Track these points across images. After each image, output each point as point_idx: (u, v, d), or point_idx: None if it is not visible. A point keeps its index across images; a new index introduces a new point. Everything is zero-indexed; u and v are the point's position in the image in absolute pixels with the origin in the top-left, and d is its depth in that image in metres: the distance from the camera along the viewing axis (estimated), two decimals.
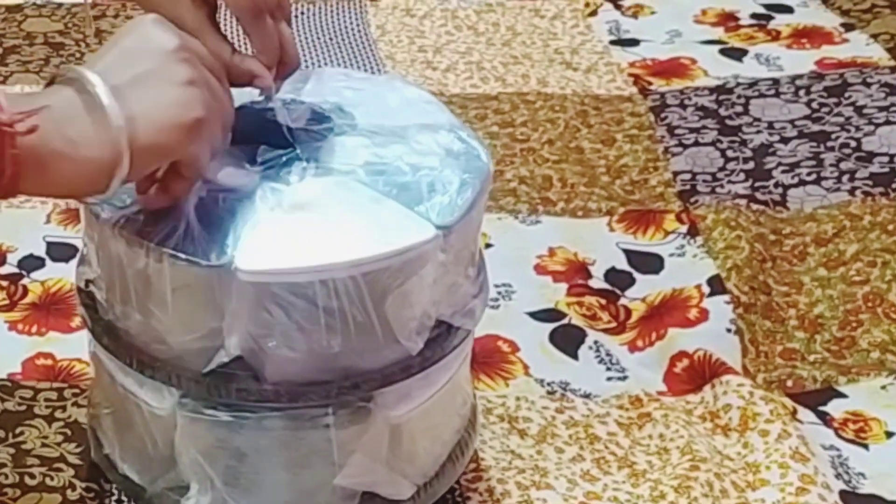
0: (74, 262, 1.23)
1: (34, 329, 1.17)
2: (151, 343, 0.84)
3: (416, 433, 0.89)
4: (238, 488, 0.86)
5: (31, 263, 1.26)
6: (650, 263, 1.28)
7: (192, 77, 0.77)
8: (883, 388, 1.13)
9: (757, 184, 1.38)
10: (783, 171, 1.40)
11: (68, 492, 0.99)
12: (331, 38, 1.72)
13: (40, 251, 1.27)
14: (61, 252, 1.27)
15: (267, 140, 0.85)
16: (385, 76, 0.88)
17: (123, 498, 0.99)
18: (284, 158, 0.84)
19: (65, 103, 0.73)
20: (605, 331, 1.20)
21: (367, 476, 0.87)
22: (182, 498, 0.87)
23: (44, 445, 1.03)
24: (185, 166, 0.78)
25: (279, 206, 0.81)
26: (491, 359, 1.16)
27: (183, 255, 0.78)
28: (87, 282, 0.88)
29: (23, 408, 1.07)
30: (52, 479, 1.00)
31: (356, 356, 0.82)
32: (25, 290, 1.22)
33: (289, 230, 0.80)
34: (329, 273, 0.78)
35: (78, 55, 1.63)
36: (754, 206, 1.34)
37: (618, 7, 1.79)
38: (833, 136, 1.45)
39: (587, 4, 1.80)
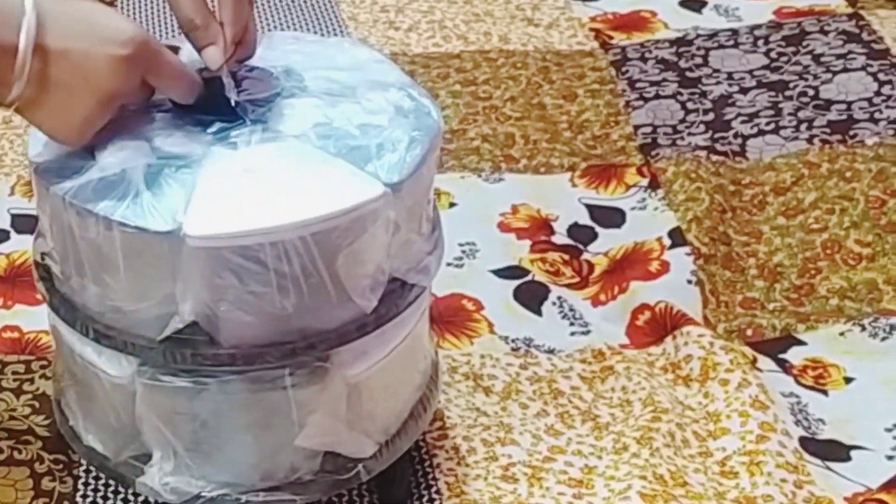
0: None
1: (0, 302, 1.18)
2: (107, 312, 0.84)
3: (375, 391, 0.90)
4: (200, 453, 0.87)
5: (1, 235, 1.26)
6: (612, 218, 1.29)
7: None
8: (841, 334, 1.15)
9: (717, 135, 1.39)
10: (742, 122, 1.41)
11: (36, 464, 1.00)
12: (292, 0, 1.71)
13: (4, 223, 1.27)
14: (26, 224, 1.27)
15: (216, 107, 0.85)
16: (335, 38, 0.88)
17: (91, 469, 1.00)
18: (233, 124, 0.85)
19: None
20: (569, 286, 1.21)
21: (328, 436, 0.88)
22: (146, 466, 0.88)
23: (12, 418, 1.04)
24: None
25: (228, 171, 0.81)
26: (456, 317, 1.17)
27: (132, 223, 0.78)
28: (43, 254, 0.89)
29: None
30: (20, 452, 1.01)
31: (310, 316, 0.83)
32: None
33: (237, 194, 0.81)
34: (278, 234, 0.78)
35: None
36: (714, 158, 1.35)
37: None
38: (791, 85, 1.46)
39: None
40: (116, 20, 0.79)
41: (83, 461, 1.00)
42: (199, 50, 0.85)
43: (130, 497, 0.99)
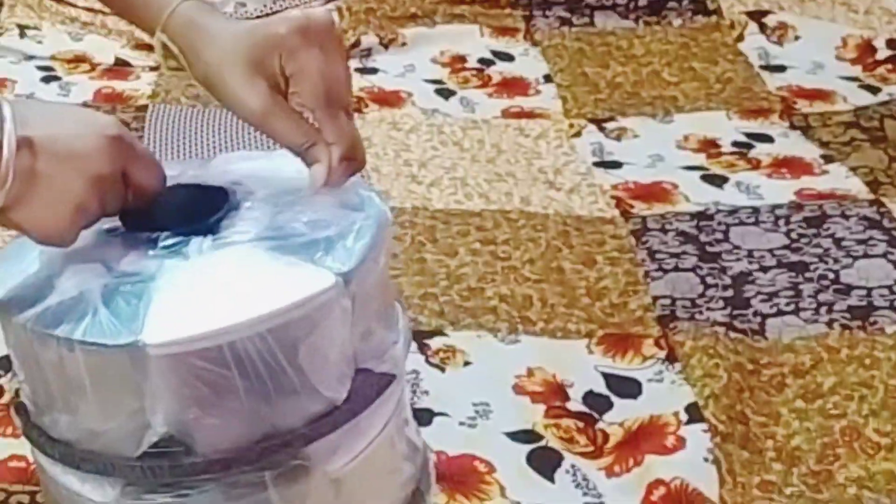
0: None
1: (9, 430, 1.16)
2: (82, 437, 0.84)
3: (360, 485, 0.89)
4: None
5: (4, 364, 1.25)
6: (628, 388, 1.28)
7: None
8: None
9: (735, 312, 1.39)
10: (762, 300, 1.41)
11: None
12: None
13: None
14: None
15: (167, 223, 0.86)
16: (281, 150, 0.91)
17: None
18: (184, 237, 0.85)
19: None
20: (582, 454, 1.20)
21: None
22: None
23: None
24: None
25: (181, 280, 0.82)
26: (467, 479, 1.16)
27: (92, 340, 0.79)
28: (16, 390, 0.89)
29: None
30: None
31: (281, 413, 0.83)
32: (2, 390, 1.21)
33: (192, 302, 0.81)
34: (235, 334, 0.79)
35: None
36: (732, 335, 1.35)
37: (601, 129, 1.82)
38: (811, 266, 1.47)
39: (571, 126, 1.82)
40: (94, 112, 0.82)
41: None
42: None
43: None
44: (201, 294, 0.82)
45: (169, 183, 0.88)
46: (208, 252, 0.84)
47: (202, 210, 0.88)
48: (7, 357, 1.22)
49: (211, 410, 0.81)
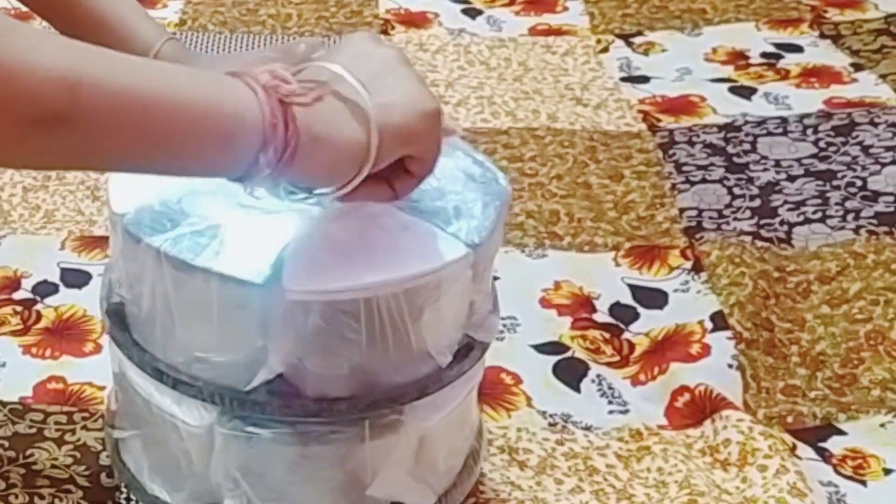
0: (87, 288, 1.27)
1: (47, 353, 1.19)
2: (193, 363, 0.86)
3: (439, 443, 0.93)
4: (273, 502, 0.88)
5: (44, 289, 1.28)
6: (654, 298, 1.30)
7: (418, 76, 0.81)
8: (882, 425, 1.14)
9: (762, 221, 1.40)
10: (789, 209, 1.41)
11: None
12: None
13: (54, 277, 1.29)
14: (75, 278, 1.29)
15: None
16: None
17: None
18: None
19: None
20: (608, 364, 1.21)
21: (396, 486, 0.90)
22: None
23: (53, 467, 1.05)
24: (419, 161, 0.81)
25: (318, 227, 0.84)
26: (494, 390, 1.17)
27: (232, 276, 0.80)
28: (118, 304, 0.90)
29: (33, 430, 1.09)
30: (61, 500, 1.02)
31: (393, 371, 0.86)
32: (39, 316, 1.24)
33: (331, 250, 0.83)
34: (373, 291, 0.81)
35: None
36: (759, 244, 1.35)
37: (629, 44, 1.81)
38: (839, 175, 1.47)
39: (598, 41, 1.82)
40: (418, 84, 0.82)
41: None
42: None
43: None
44: (340, 244, 0.84)
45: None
46: (339, 205, 0.85)
47: None
48: (45, 282, 1.27)
49: (330, 359, 0.83)
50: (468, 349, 0.91)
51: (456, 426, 0.95)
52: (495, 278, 1.30)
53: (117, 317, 0.91)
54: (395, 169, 0.81)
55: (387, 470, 0.89)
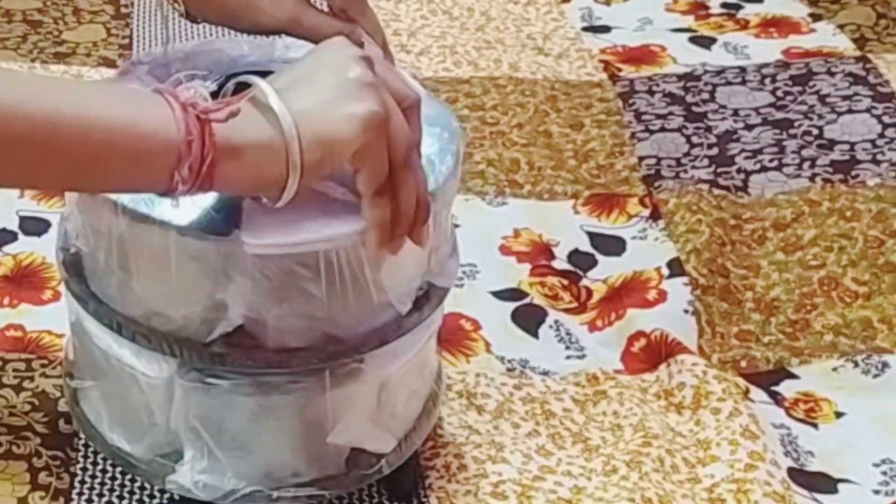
0: (46, 236, 1.26)
1: (5, 301, 1.19)
2: (151, 315, 0.86)
3: (399, 389, 0.93)
4: (234, 451, 0.89)
5: (3, 237, 1.27)
6: (613, 246, 1.31)
7: (365, 76, 0.76)
8: (834, 369, 1.16)
9: (720, 169, 1.41)
10: (746, 158, 1.43)
11: (34, 459, 1.01)
12: None
13: (13, 225, 1.29)
14: (34, 226, 1.28)
15: None
16: None
17: (88, 466, 1.02)
18: None
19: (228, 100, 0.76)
20: (566, 310, 1.23)
21: (358, 433, 0.91)
22: (176, 464, 0.90)
23: (11, 415, 1.05)
24: (363, 174, 0.78)
25: None
26: (454, 336, 1.18)
27: (191, 229, 0.80)
28: (75, 255, 0.90)
29: None
30: (18, 447, 1.02)
31: (353, 321, 0.86)
32: None
33: (289, 202, 0.82)
34: (332, 243, 0.81)
35: (56, 32, 1.64)
36: (716, 192, 1.37)
37: None
38: (796, 123, 1.48)
39: None
40: (340, 58, 0.79)
41: (80, 458, 1.02)
42: None
43: (125, 495, 1.00)
44: (298, 197, 0.81)
45: (231, 65, 0.89)
46: None
47: None
48: (4, 230, 1.27)
49: (289, 311, 0.83)
50: (428, 296, 0.91)
51: (416, 371, 0.96)
52: (455, 225, 1.32)
53: (74, 268, 0.91)
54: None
55: (347, 417, 0.90)
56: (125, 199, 0.81)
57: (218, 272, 0.81)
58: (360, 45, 0.86)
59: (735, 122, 1.49)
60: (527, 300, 1.23)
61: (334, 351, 0.87)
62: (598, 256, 1.30)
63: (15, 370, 1.10)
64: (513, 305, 1.23)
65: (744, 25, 1.71)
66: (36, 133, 0.70)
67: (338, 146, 0.76)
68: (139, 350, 0.88)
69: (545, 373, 1.15)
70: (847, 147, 1.43)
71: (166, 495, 0.98)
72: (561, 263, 1.29)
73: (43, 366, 1.11)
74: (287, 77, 0.77)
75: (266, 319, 0.83)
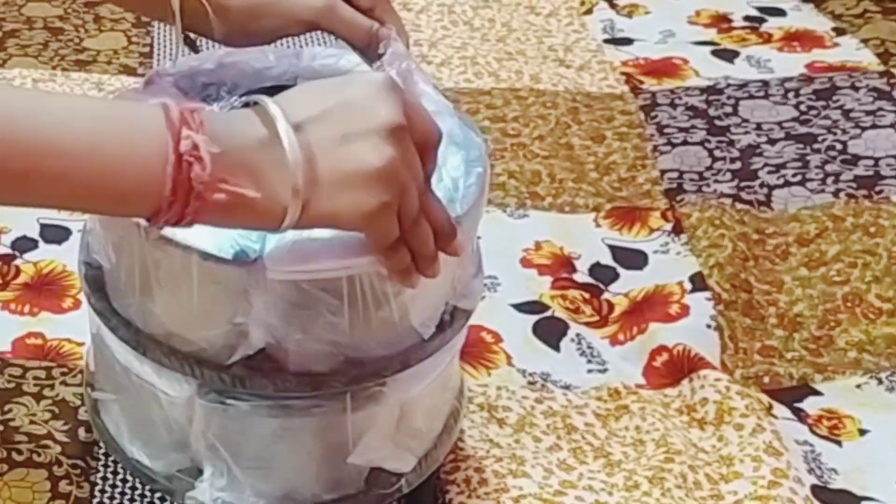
0: (67, 243, 1.26)
1: (26, 309, 1.19)
2: (172, 336, 0.85)
3: (420, 410, 0.92)
4: (254, 470, 0.88)
5: (24, 244, 1.27)
6: (634, 259, 1.30)
7: (393, 157, 0.71)
8: (858, 386, 1.15)
9: (743, 184, 1.40)
10: (769, 172, 1.42)
11: (54, 468, 1.01)
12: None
13: (34, 233, 1.29)
14: (54, 234, 1.28)
15: None
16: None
17: (108, 475, 1.01)
18: None
19: (247, 136, 0.69)
20: (588, 324, 1.22)
21: (378, 452, 0.90)
22: (195, 480, 0.89)
23: (31, 423, 1.05)
24: (368, 236, 0.75)
25: None
26: (475, 349, 1.18)
27: (213, 254, 0.79)
28: (97, 269, 0.89)
29: (12, 385, 1.09)
30: (38, 455, 1.02)
31: (375, 345, 0.85)
32: (18, 271, 1.24)
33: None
34: (355, 269, 0.79)
35: (77, 40, 1.64)
36: (739, 206, 1.36)
37: (613, 6, 1.81)
38: (820, 138, 1.47)
39: (582, 3, 1.82)
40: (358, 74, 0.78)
41: (101, 467, 1.01)
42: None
43: None
44: None
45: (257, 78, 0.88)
46: None
47: None
48: (24, 237, 1.27)
49: (312, 335, 0.82)
50: (452, 318, 0.90)
51: (438, 391, 0.95)
52: (476, 237, 1.32)
53: (96, 283, 0.90)
54: None
55: (368, 438, 0.89)
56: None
57: (239, 296, 0.81)
58: (387, 43, 0.87)
59: (758, 136, 1.48)
60: (548, 313, 1.23)
61: (356, 375, 0.86)
62: (620, 270, 1.29)
63: (35, 378, 1.10)
64: (534, 318, 1.22)
65: (767, 39, 1.71)
66: (11, 160, 0.65)
67: (341, 224, 0.73)
68: (160, 369, 0.87)
69: (567, 386, 1.14)
70: (871, 162, 1.42)
71: None
72: (582, 276, 1.28)
73: (63, 374, 1.11)
74: (309, 106, 0.71)
75: (287, 344, 0.83)
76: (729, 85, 1.59)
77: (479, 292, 0.93)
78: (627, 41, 1.72)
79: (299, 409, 0.86)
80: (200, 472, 0.90)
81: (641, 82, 1.61)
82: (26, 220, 1.30)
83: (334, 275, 0.80)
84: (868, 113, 1.51)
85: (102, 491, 1.00)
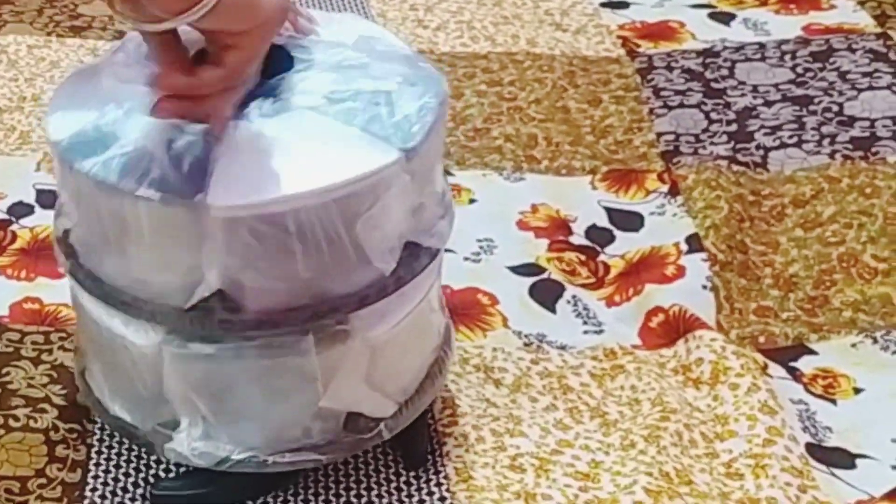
0: None
1: (22, 274, 1.19)
2: (133, 284, 0.86)
3: (394, 352, 0.92)
4: (228, 418, 0.89)
5: (20, 210, 1.28)
6: (630, 221, 1.30)
7: None
8: (853, 346, 1.15)
9: (739, 146, 1.40)
10: (765, 134, 1.42)
11: (51, 433, 1.02)
12: None
13: (29, 198, 1.29)
14: (50, 199, 1.28)
15: None
16: (342, 14, 0.91)
17: (105, 437, 1.02)
18: (247, 97, 0.86)
19: None
20: (584, 286, 1.22)
21: (351, 396, 0.90)
22: (173, 432, 0.90)
23: (29, 386, 1.06)
24: (235, 52, 0.79)
25: (246, 141, 0.83)
26: (471, 311, 1.18)
27: (158, 196, 0.80)
28: (66, 231, 0.90)
29: (10, 350, 1.10)
30: (35, 420, 1.03)
31: (332, 281, 0.85)
32: (14, 236, 1.24)
33: (257, 163, 0.82)
34: (300, 202, 0.80)
35: (72, 6, 1.64)
36: (735, 168, 1.36)
37: None
38: (816, 100, 1.47)
39: None
40: None
41: (97, 430, 1.02)
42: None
43: (142, 467, 1.00)
44: (266, 158, 0.82)
45: None
46: (270, 115, 0.84)
47: (262, 69, 0.86)
48: (20, 203, 1.27)
49: (266, 272, 0.83)
50: (414, 256, 0.90)
51: (412, 335, 0.95)
52: (472, 200, 1.32)
53: (66, 243, 0.91)
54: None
55: (339, 380, 0.89)
56: (97, 170, 0.81)
57: (189, 237, 0.82)
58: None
59: (754, 98, 1.48)
60: (544, 275, 1.23)
61: (315, 312, 0.86)
62: (616, 232, 1.29)
63: (34, 343, 1.10)
64: (530, 280, 1.22)
65: (764, 1, 1.70)
66: None
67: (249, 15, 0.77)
68: (128, 320, 0.88)
69: (562, 347, 1.14)
70: (867, 124, 1.42)
71: (182, 466, 0.98)
72: (578, 239, 1.28)
73: (61, 339, 1.11)
74: None
75: (243, 282, 0.83)
76: (725, 48, 1.59)
77: (445, 233, 0.93)
78: (624, 4, 1.71)
79: (263, 350, 0.87)
80: (178, 424, 0.90)
81: (638, 45, 1.60)
82: (22, 186, 1.30)
83: (279, 209, 0.80)
84: (864, 75, 1.50)
85: (99, 452, 1.01)
